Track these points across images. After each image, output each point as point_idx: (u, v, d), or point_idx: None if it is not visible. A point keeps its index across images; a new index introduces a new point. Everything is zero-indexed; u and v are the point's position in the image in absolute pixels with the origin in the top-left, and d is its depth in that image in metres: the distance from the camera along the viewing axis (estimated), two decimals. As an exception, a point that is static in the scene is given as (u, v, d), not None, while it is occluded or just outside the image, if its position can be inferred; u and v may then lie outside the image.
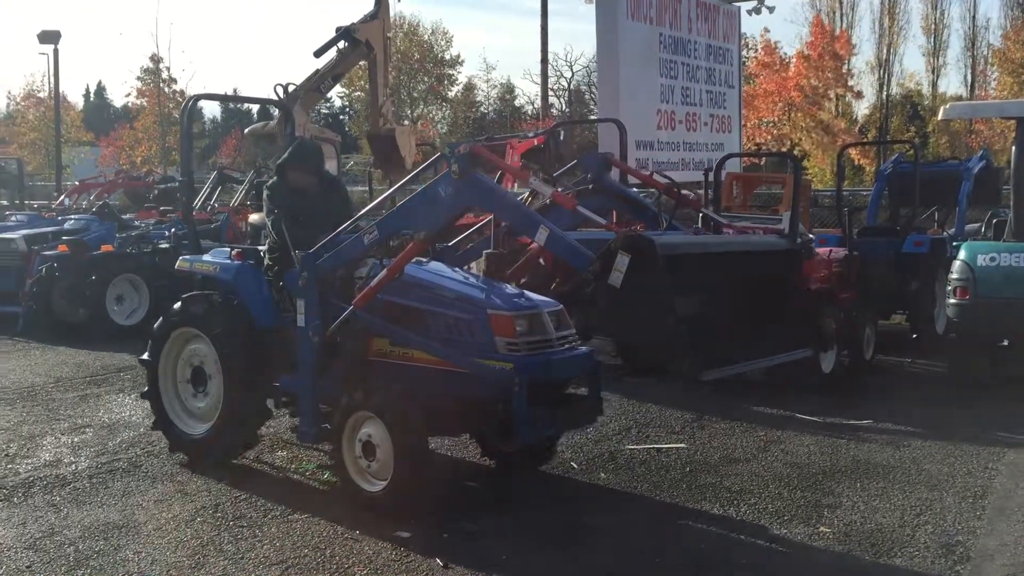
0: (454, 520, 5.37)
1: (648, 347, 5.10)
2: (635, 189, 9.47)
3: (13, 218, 14.90)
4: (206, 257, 6.67)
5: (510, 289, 5.87)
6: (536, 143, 14.07)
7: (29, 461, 6.53)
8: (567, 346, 5.46)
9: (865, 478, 6.23)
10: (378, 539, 5.05)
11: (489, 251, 6.18)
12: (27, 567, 4.72)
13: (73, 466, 6.41)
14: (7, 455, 6.66)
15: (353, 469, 5.52)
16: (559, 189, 7.36)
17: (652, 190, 10.32)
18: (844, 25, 44.47)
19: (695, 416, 7.84)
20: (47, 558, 4.83)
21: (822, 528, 5.35)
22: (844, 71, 38.15)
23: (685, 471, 6.41)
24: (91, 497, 5.79)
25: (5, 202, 18.29)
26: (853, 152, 34.97)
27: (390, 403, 5.33)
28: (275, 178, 6.48)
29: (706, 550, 5.11)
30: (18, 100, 48.33)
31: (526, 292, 5.85)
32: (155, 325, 6.66)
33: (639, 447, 6.98)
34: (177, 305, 6.53)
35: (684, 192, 8.86)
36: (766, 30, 36.94)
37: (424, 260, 6.02)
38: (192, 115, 7.22)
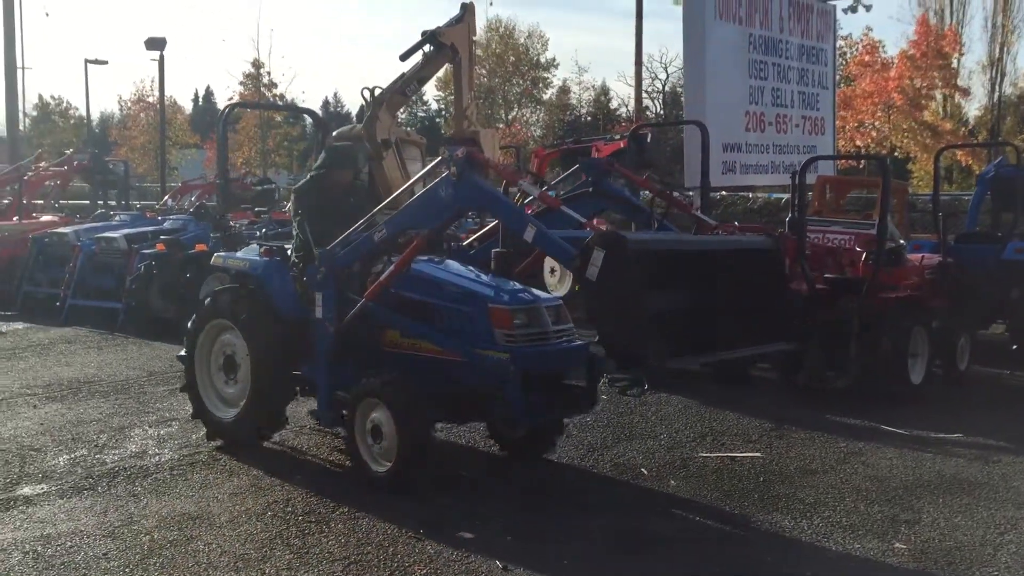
0: (516, 522, 5.37)
1: (620, 335, 5.36)
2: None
3: (117, 218, 15.55)
4: (238, 254, 7.20)
5: (514, 285, 6.15)
6: (622, 145, 14.00)
7: (116, 452, 6.80)
8: (564, 339, 5.82)
9: (948, 494, 5.99)
10: (440, 540, 5.08)
11: (497, 250, 6.59)
12: (103, 555, 4.91)
13: (157, 457, 6.65)
14: (96, 445, 6.95)
15: (364, 452, 5.93)
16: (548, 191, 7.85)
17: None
18: (953, 22, 42.84)
19: (774, 425, 7.66)
20: (123, 546, 5.01)
21: (897, 544, 5.16)
22: (952, 68, 36.71)
23: (759, 481, 6.27)
24: (170, 488, 5.99)
25: (112, 202, 19.08)
26: (961, 155, 33.65)
27: (394, 390, 5.74)
28: (306, 180, 6.88)
29: (773, 563, 4.98)
30: (129, 105, 50.53)
31: (530, 288, 6.14)
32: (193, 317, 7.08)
33: (712, 455, 6.85)
34: (210, 298, 6.99)
35: (676, 196, 9.50)
36: (868, 28, 35.76)
37: (438, 259, 6.47)
38: (227, 123, 7.73)
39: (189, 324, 7.09)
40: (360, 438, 5.94)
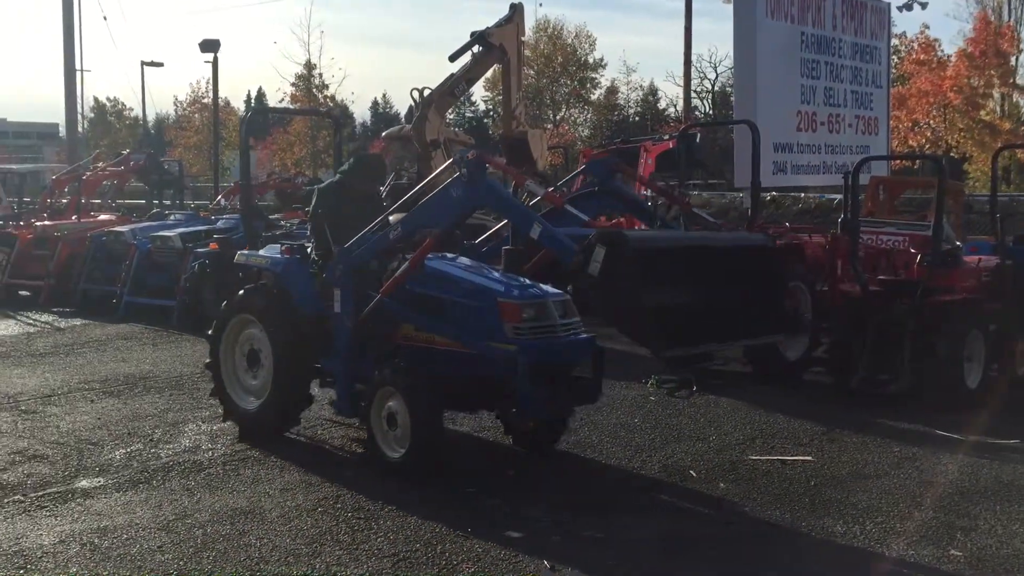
0: (563, 523, 5.37)
1: (620, 326, 5.82)
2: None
3: (172, 217, 15.83)
4: (261, 252, 7.44)
5: (523, 281, 6.35)
6: (671, 146, 13.93)
7: (170, 446, 6.93)
8: (571, 332, 6.02)
9: (1006, 501, 5.86)
10: (487, 539, 5.10)
11: (508, 247, 6.76)
12: (158, 547, 5.00)
13: (210, 453, 6.76)
14: (152, 440, 7.08)
15: (380, 439, 6.20)
16: (550, 190, 8.07)
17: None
18: (1011, 20, 41.88)
19: (825, 429, 7.55)
20: (177, 539, 5.10)
21: (953, 551, 5.06)
22: (1010, 66, 35.87)
23: (810, 485, 6.19)
24: (223, 483, 6.08)
25: (167, 202, 19.42)
26: (1021, 155, 32.83)
27: (408, 380, 6.03)
28: (330, 182, 7.17)
29: (824, 568, 4.92)
30: (185, 106, 51.44)
31: (539, 284, 6.33)
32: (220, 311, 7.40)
33: (763, 458, 6.78)
34: (235, 295, 7.27)
35: (678, 195, 9.89)
36: (925, 26, 35.09)
37: (452, 256, 6.74)
38: (249, 128, 8.14)
39: (216, 319, 7.39)
40: (376, 425, 6.21)
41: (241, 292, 7.26)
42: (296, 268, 7.01)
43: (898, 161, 23.86)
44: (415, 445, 5.97)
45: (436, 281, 6.34)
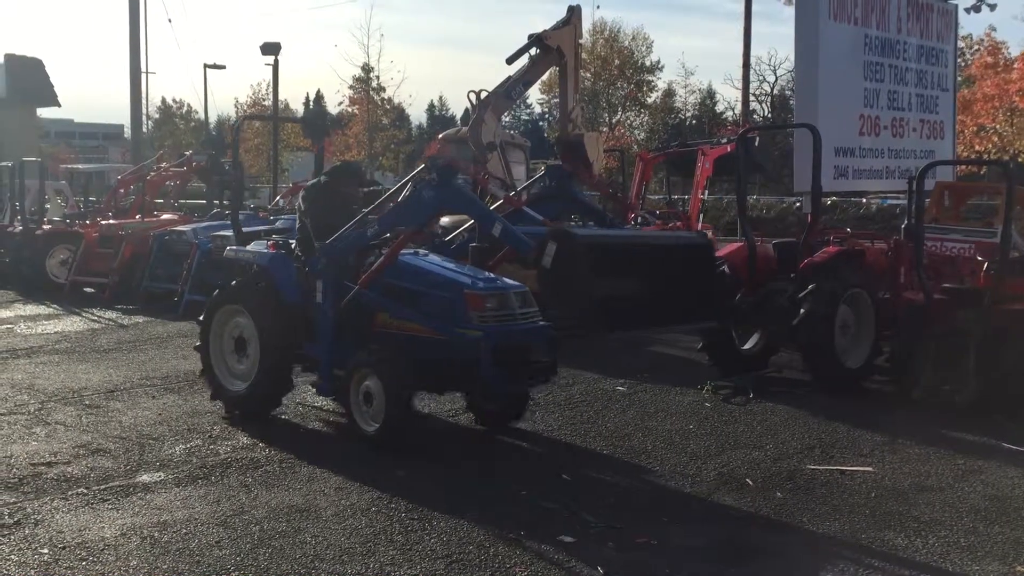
0: (617, 528, 5.33)
1: (567, 312, 6.36)
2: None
3: (232, 218, 16.06)
4: (248, 247, 8.10)
5: (487, 275, 7.04)
6: (729, 149, 13.77)
7: (229, 443, 7.03)
8: (530, 320, 6.68)
9: (1076, 518, 5.67)
10: (541, 542, 5.09)
11: (474, 244, 7.46)
12: (216, 543, 5.07)
13: (267, 450, 6.84)
14: (210, 436, 7.19)
15: (357, 415, 6.84)
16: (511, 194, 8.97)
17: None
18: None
19: (887, 439, 7.39)
20: (234, 535, 5.17)
21: (1020, 567, 4.92)
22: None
23: (870, 496, 6.06)
24: (279, 480, 6.15)
25: (228, 202, 19.71)
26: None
27: (383, 362, 6.66)
28: (313, 183, 7.77)
29: (885, 582, 4.81)
30: (245, 108, 52.28)
31: (501, 277, 7.01)
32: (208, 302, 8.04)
33: (821, 468, 6.65)
34: (223, 287, 7.90)
35: (620, 196, 11.62)
36: (992, 28, 34.18)
37: (424, 252, 7.46)
38: (238, 133, 8.69)
39: (204, 309, 7.96)
40: (354, 403, 6.84)
41: (229, 283, 7.83)
42: (281, 262, 7.58)
43: (963, 166, 23.31)
44: (388, 420, 6.57)
45: (409, 274, 6.97)
